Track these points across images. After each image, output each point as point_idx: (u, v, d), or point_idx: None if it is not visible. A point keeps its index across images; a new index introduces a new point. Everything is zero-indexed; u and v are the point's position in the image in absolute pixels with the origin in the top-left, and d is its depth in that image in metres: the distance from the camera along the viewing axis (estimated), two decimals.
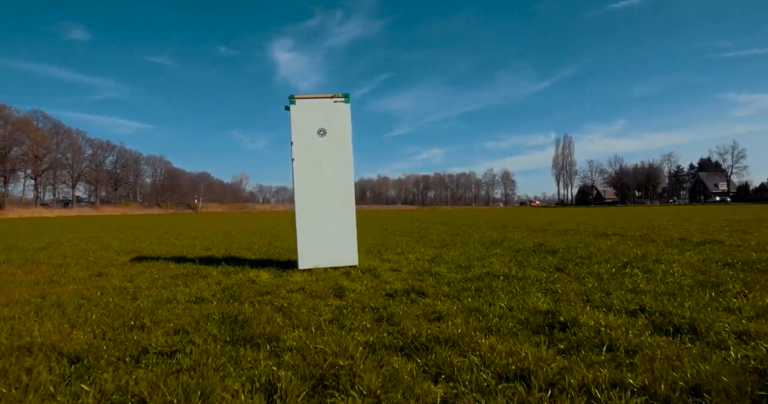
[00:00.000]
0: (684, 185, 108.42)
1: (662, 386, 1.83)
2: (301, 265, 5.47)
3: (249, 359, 2.31)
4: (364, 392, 1.87)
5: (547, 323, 2.82)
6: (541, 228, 13.58)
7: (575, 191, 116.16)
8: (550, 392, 1.84)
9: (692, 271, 4.61)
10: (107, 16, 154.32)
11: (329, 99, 5.67)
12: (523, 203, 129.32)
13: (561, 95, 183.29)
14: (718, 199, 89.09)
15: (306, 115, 5.61)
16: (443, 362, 2.19)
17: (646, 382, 1.87)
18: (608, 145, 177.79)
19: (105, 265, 6.31)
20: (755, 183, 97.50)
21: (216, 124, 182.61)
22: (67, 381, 2.05)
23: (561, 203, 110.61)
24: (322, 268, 5.43)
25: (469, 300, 3.57)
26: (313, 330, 2.82)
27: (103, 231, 16.62)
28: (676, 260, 5.50)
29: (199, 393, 1.85)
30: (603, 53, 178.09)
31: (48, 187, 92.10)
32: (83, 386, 1.96)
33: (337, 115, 5.68)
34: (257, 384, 1.97)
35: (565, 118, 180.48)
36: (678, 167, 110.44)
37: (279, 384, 1.92)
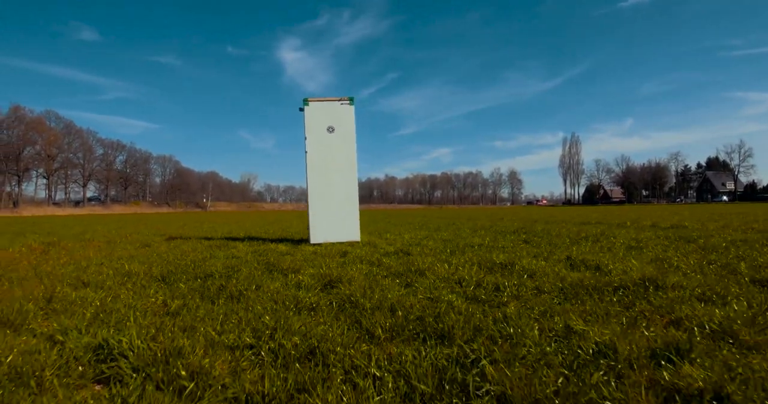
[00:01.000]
0: (691, 184, 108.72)
1: (546, 286, 2.94)
2: (313, 240, 6.61)
3: (281, 277, 3.46)
4: (358, 287, 3.00)
5: (497, 265, 3.94)
6: (532, 219, 14.66)
7: (582, 190, 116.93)
8: (473, 286, 2.96)
9: (632, 242, 5.70)
10: (115, 17, 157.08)
11: (337, 101, 6.82)
12: (530, 202, 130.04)
13: (569, 94, 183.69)
14: (725, 198, 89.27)
15: (317, 114, 6.76)
16: (411, 279, 3.32)
17: (536, 284, 2.99)
18: (616, 144, 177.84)
19: (147, 242, 7.50)
20: (764, 182, 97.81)
21: (223, 123, 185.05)
22: (162, 286, 3.21)
23: (568, 202, 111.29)
24: (330, 242, 6.56)
25: (443, 256, 4.69)
26: (324, 268, 3.96)
27: (125, 225, 17.91)
28: (627, 236, 6.59)
29: (254, 286, 3.00)
30: (611, 52, 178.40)
31: (59, 187, 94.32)
32: (181, 284, 3.12)
33: (344, 114, 6.83)
34: (289, 284, 3.12)
35: (573, 117, 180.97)
36: (685, 166, 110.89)
37: (303, 283, 3.07)
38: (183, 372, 1.50)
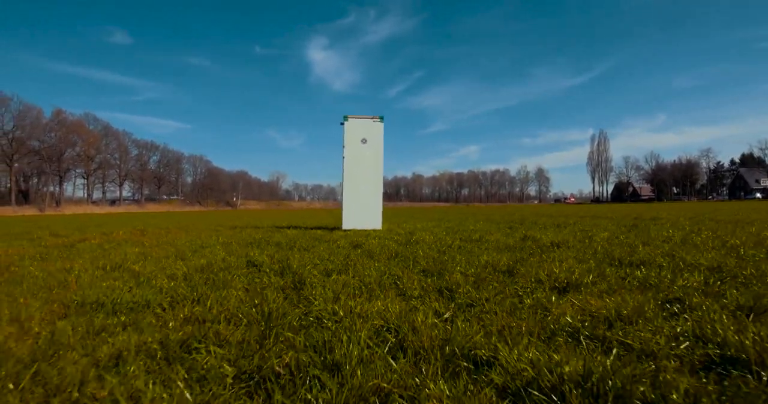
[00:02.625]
0: (724, 181, 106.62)
1: (487, 245, 4.83)
2: (344, 226, 8.61)
3: (325, 244, 5.46)
4: (373, 247, 4.95)
5: (472, 238, 5.82)
6: (540, 214, 16.37)
7: (611, 188, 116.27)
8: (445, 247, 4.88)
9: (585, 226, 7.48)
10: (146, 20, 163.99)
11: (370, 119, 8.79)
12: (557, 200, 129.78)
13: (598, 90, 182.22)
14: (758, 195, 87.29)
15: (354, 129, 8.74)
16: (408, 244, 5.25)
17: (485, 246, 4.88)
18: (648, 140, 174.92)
19: (214, 229, 9.64)
20: None
21: (251, 123, 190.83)
22: (255, 247, 5.24)
23: (596, 200, 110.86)
24: (357, 229, 8.52)
25: (439, 235, 6.60)
26: (353, 239, 5.93)
27: (176, 220, 20.38)
28: (591, 223, 8.36)
29: (311, 246, 5.01)
30: (641, 45, 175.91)
31: (96, 186, 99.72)
32: (266, 246, 5.16)
33: (375, 130, 8.80)
34: (331, 246, 5.11)
35: (602, 113, 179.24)
36: (718, 163, 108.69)
37: (340, 245, 5.06)
38: (293, 266, 3.48)
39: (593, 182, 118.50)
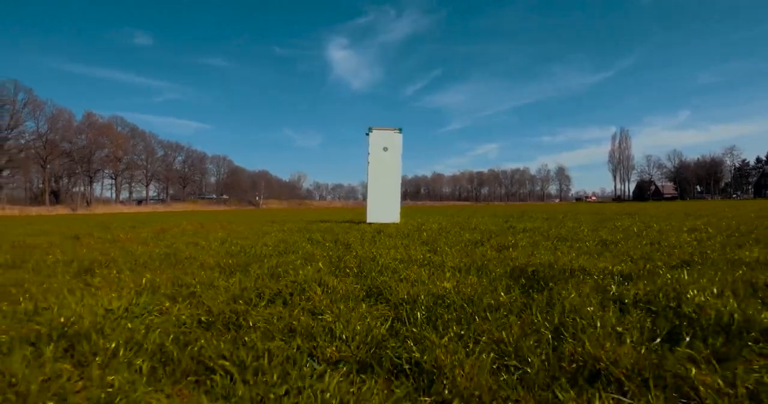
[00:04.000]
0: (750, 179, 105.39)
1: (473, 227, 6.70)
2: (368, 220, 10.55)
3: (354, 231, 7.41)
4: (392, 231, 6.88)
5: (468, 226, 7.69)
6: (546, 211, 18.08)
7: (633, 186, 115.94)
8: (443, 232, 6.78)
9: (594, 220, 9.27)
10: (165, 21, 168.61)
11: (391, 131, 10.72)
12: (578, 199, 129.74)
13: (619, 86, 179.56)
14: None
15: (377, 138, 10.68)
16: (418, 230, 7.16)
17: (473, 228, 6.77)
18: (670, 138, 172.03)
19: (251, 224, 11.68)
20: None
21: (271, 122, 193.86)
22: (304, 233, 7.22)
23: (618, 198, 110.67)
24: (379, 222, 10.45)
25: (447, 225, 8.48)
26: (376, 226, 7.86)
27: (209, 218, 22.63)
28: (579, 219, 10.14)
29: (345, 231, 6.97)
30: (663, 41, 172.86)
31: (123, 186, 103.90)
32: (307, 233, 7.15)
33: (395, 139, 10.72)
34: (362, 231, 7.06)
35: (624, 110, 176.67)
36: (743, 161, 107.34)
37: (366, 230, 7.01)
38: (340, 239, 5.42)
39: (615, 180, 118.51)
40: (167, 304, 2.25)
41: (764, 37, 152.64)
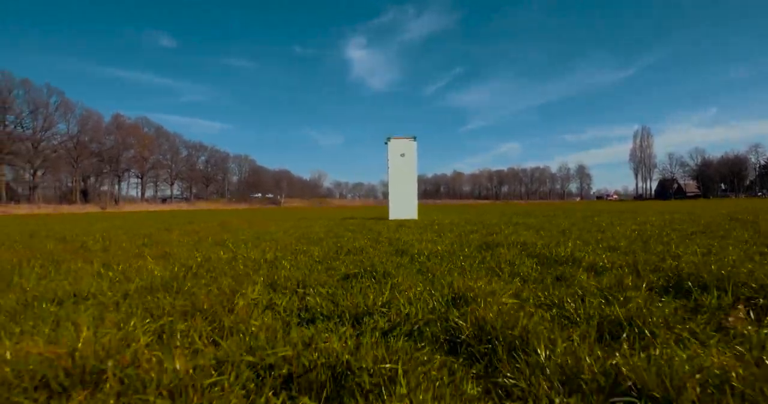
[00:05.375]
0: None
1: (480, 222, 8.61)
2: (390, 217, 12.51)
3: (382, 224, 9.37)
4: (412, 225, 8.83)
5: (472, 221, 9.58)
6: (556, 208, 19.82)
7: (655, 184, 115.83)
8: (453, 226, 8.70)
9: (581, 216, 11.09)
10: (189, 23, 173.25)
11: (406, 139, 12.66)
12: (599, 197, 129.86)
13: (644, 83, 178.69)
14: None
15: (395, 146, 12.65)
16: (431, 224, 9.09)
17: (485, 223, 8.68)
18: (698, 135, 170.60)
19: (288, 221, 13.71)
20: None
21: (291, 122, 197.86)
22: (340, 226, 9.22)
23: (639, 197, 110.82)
24: (399, 218, 12.40)
25: (457, 221, 10.38)
26: (399, 221, 9.80)
27: (241, 216, 24.86)
28: (576, 216, 11.95)
29: (376, 225, 8.96)
30: (691, 35, 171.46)
31: (148, 185, 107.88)
32: (342, 228, 9.16)
33: (410, 147, 12.67)
34: (386, 225, 9.02)
35: (649, 107, 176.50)
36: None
37: (389, 224, 8.98)
38: (373, 229, 7.39)
39: (636, 179, 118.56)
40: (299, 256, 4.24)
41: None
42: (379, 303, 2.15)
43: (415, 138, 12.77)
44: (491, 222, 9.44)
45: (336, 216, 17.24)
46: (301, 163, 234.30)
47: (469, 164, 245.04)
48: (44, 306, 2.30)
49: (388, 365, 1.35)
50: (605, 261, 3.30)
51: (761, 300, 2.04)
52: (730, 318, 1.81)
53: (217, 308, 2.09)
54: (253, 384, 1.30)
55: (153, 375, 1.23)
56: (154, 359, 1.33)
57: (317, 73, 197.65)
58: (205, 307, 2.09)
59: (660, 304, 2.00)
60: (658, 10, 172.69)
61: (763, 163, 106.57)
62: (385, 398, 1.21)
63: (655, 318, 1.77)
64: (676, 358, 1.29)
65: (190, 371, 1.27)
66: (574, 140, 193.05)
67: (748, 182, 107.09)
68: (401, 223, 9.62)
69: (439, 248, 4.41)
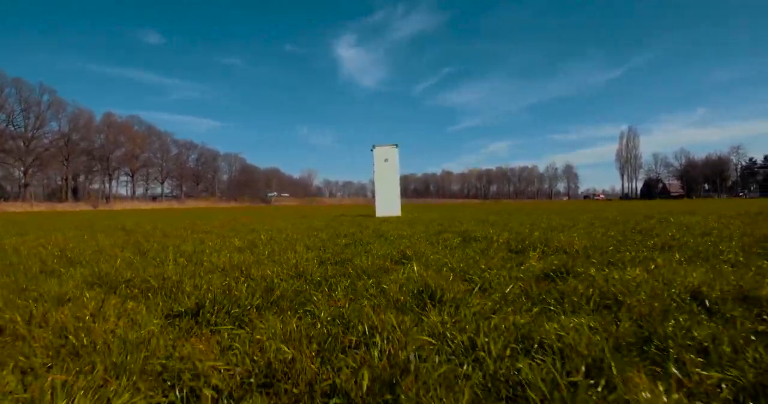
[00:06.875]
0: (757, 178, 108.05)
1: (456, 218, 10.79)
2: (377, 214, 14.67)
3: (369, 220, 11.52)
4: (394, 221, 10.97)
5: (447, 217, 11.75)
6: (533, 209, 22.07)
7: (641, 185, 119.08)
8: (432, 221, 10.87)
9: (551, 212, 13.31)
10: (176, 20, 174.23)
11: (389, 147, 14.81)
12: (587, 197, 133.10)
13: (633, 84, 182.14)
14: None
15: (380, 153, 14.83)
16: (413, 220, 11.25)
17: (462, 220, 10.87)
18: (686, 135, 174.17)
19: (288, 218, 15.80)
20: None
21: (282, 120, 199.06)
22: (340, 220, 11.34)
23: (625, 197, 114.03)
24: (385, 215, 14.52)
25: (432, 217, 12.54)
26: (383, 218, 11.94)
27: (238, 215, 26.84)
28: (543, 215, 14.19)
29: (363, 221, 11.11)
30: (682, 36, 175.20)
31: (138, 183, 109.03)
32: (337, 223, 11.31)
33: (392, 153, 14.85)
34: (374, 221, 11.17)
35: (637, 107, 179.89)
36: (750, 159, 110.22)
37: (375, 220, 11.13)
38: (363, 224, 9.52)
39: (622, 179, 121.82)
40: (313, 238, 6.36)
41: None
42: (363, 254, 4.30)
43: (397, 145, 14.91)
44: (461, 218, 11.60)
45: (329, 214, 19.31)
46: (290, 160, 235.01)
47: (460, 163, 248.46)
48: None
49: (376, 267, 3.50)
50: (498, 237, 5.49)
51: (546, 249, 4.24)
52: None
53: (289, 253, 4.23)
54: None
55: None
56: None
57: (308, 72, 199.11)
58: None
59: (503, 255, 4.18)
60: (648, 10, 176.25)
61: (744, 164, 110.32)
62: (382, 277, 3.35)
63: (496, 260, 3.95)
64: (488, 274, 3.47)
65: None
66: (562, 140, 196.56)
67: (730, 183, 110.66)
68: (385, 219, 11.75)
69: (405, 233, 6.58)
